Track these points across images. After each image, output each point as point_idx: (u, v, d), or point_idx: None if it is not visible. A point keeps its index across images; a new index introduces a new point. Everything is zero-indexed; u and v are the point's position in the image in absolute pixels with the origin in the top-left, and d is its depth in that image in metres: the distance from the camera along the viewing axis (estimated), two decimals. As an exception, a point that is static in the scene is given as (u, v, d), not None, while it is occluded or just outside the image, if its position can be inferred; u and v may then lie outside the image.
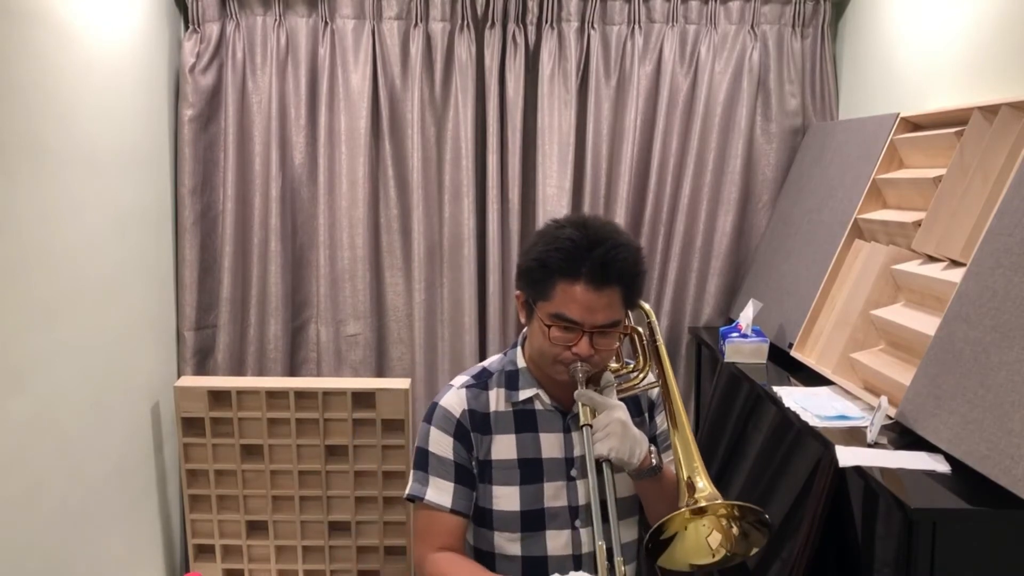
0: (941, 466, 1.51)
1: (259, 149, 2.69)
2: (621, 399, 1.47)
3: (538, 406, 1.50)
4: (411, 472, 1.50)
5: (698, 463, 1.35)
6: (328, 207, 2.72)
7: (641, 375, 1.54)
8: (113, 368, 2.23)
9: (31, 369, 1.81)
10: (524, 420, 1.49)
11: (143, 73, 2.41)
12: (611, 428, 1.37)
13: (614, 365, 1.54)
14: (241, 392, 2.50)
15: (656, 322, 1.52)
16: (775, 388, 2.01)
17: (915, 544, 1.38)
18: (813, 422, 1.76)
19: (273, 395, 2.50)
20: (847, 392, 1.94)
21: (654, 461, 1.42)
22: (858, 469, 1.53)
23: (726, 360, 2.30)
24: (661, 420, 1.58)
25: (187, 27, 2.62)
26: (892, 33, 2.39)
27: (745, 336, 2.29)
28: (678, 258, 2.79)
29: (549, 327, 1.38)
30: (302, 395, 2.50)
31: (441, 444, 1.46)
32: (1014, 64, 1.82)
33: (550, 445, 1.48)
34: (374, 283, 2.78)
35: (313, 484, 2.57)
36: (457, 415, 1.47)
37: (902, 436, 1.66)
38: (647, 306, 1.52)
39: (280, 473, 2.56)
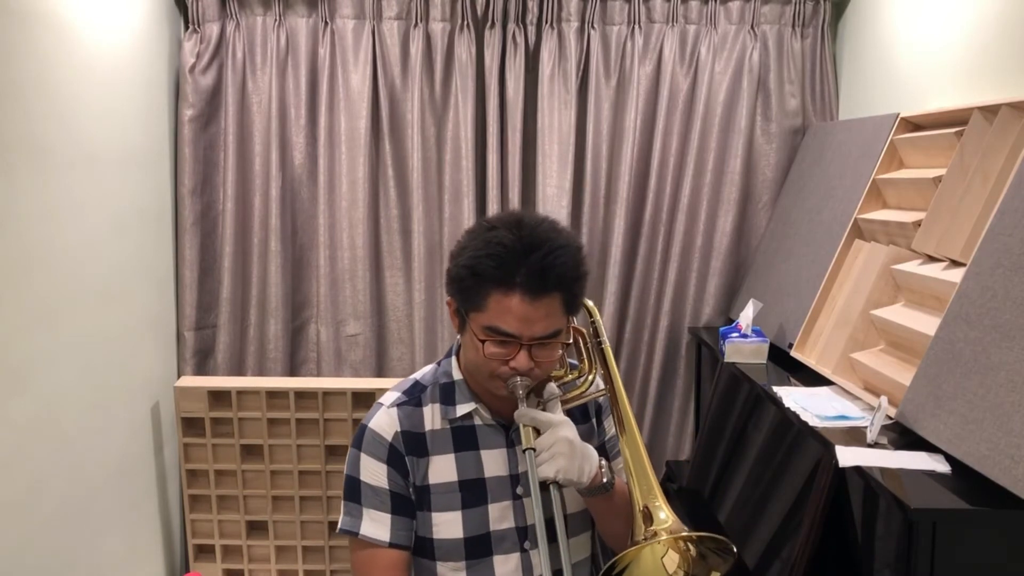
0: (941, 466, 1.51)
1: (259, 149, 2.69)
2: (567, 410, 1.35)
3: (477, 421, 1.37)
4: (342, 504, 1.36)
5: (654, 484, 1.24)
6: (328, 207, 2.72)
7: (588, 378, 1.41)
8: (113, 368, 2.23)
9: (31, 369, 1.81)
10: (463, 438, 1.35)
11: (143, 73, 2.41)
12: (557, 448, 1.24)
13: (557, 372, 1.41)
14: (241, 392, 2.49)
15: (600, 321, 1.41)
16: (775, 388, 2.01)
17: (915, 544, 1.38)
18: (813, 422, 1.76)
19: (273, 395, 2.50)
20: (847, 392, 1.94)
21: (604, 479, 1.30)
22: (858, 469, 1.53)
23: (726, 360, 2.30)
24: (609, 425, 1.47)
25: (187, 27, 2.62)
26: (892, 33, 2.39)
27: (745, 336, 2.29)
28: (678, 258, 2.79)
29: (483, 341, 1.25)
30: (302, 395, 2.50)
31: (373, 472, 1.33)
32: (1014, 64, 1.82)
33: (493, 463, 1.36)
34: (374, 283, 2.78)
35: (313, 484, 2.57)
36: (389, 438, 1.33)
37: (902, 436, 1.66)
38: (591, 304, 1.41)
39: (280, 473, 2.56)
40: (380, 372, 2.83)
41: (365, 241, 2.72)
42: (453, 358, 1.41)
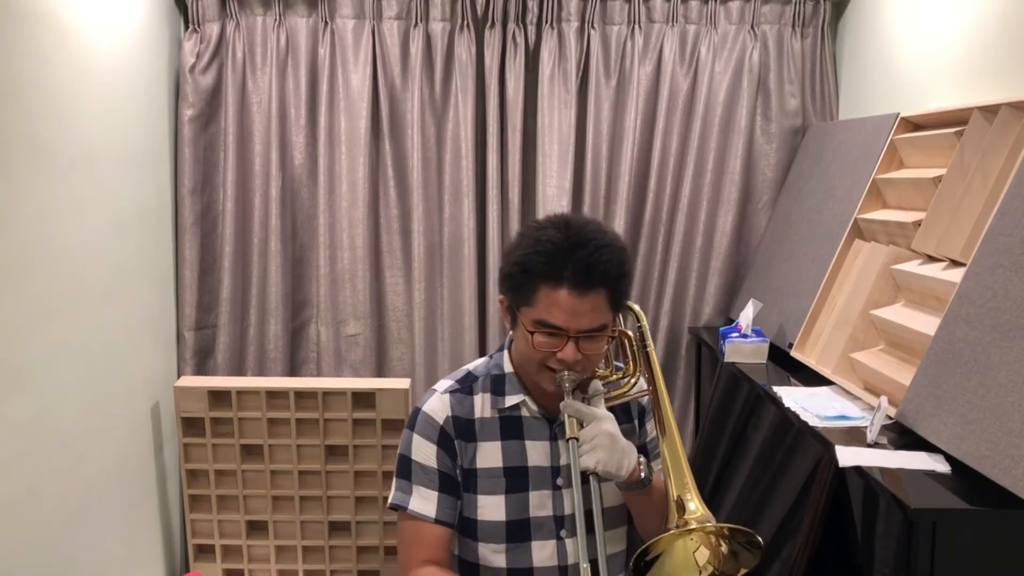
0: (941, 466, 1.51)
1: (259, 149, 2.69)
2: (610, 408, 1.41)
3: (524, 413, 1.45)
4: (393, 480, 1.45)
5: (689, 480, 1.31)
6: (328, 207, 2.72)
7: (632, 381, 1.48)
8: (113, 368, 2.23)
9: (31, 369, 1.81)
10: (510, 427, 1.44)
11: (143, 73, 2.41)
12: (598, 440, 1.32)
13: (603, 371, 1.49)
14: (241, 392, 2.49)
15: (647, 326, 1.47)
16: (775, 388, 2.01)
17: (915, 544, 1.38)
18: (813, 422, 1.76)
19: (273, 395, 2.50)
20: (847, 392, 1.94)
21: (643, 473, 1.37)
22: (858, 469, 1.53)
23: (726, 360, 2.30)
24: (651, 427, 1.53)
25: (187, 27, 2.62)
26: (892, 33, 2.39)
27: (745, 336, 2.29)
28: (678, 258, 2.79)
29: (533, 333, 1.33)
30: (302, 395, 2.50)
31: (424, 452, 1.42)
32: (1014, 64, 1.82)
33: (536, 453, 1.44)
34: (374, 283, 2.78)
35: (313, 484, 2.57)
36: (440, 422, 1.42)
37: (902, 436, 1.66)
38: (638, 309, 1.47)
39: (280, 473, 2.56)
40: (380, 372, 2.83)
41: (365, 241, 2.72)
42: (505, 352, 1.49)
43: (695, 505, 1.28)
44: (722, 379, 2.36)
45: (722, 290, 2.81)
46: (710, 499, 2.17)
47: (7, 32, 1.71)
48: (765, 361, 2.28)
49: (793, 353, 2.22)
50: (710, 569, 1.28)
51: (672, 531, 1.25)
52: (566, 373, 1.33)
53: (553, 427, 1.45)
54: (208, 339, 2.75)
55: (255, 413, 2.50)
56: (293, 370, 2.82)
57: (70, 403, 1.99)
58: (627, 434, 1.41)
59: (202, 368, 2.75)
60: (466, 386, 1.47)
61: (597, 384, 1.44)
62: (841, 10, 2.74)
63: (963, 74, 2.02)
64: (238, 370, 2.76)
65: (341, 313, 2.77)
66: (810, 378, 2.08)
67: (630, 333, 1.47)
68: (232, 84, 2.64)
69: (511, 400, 1.44)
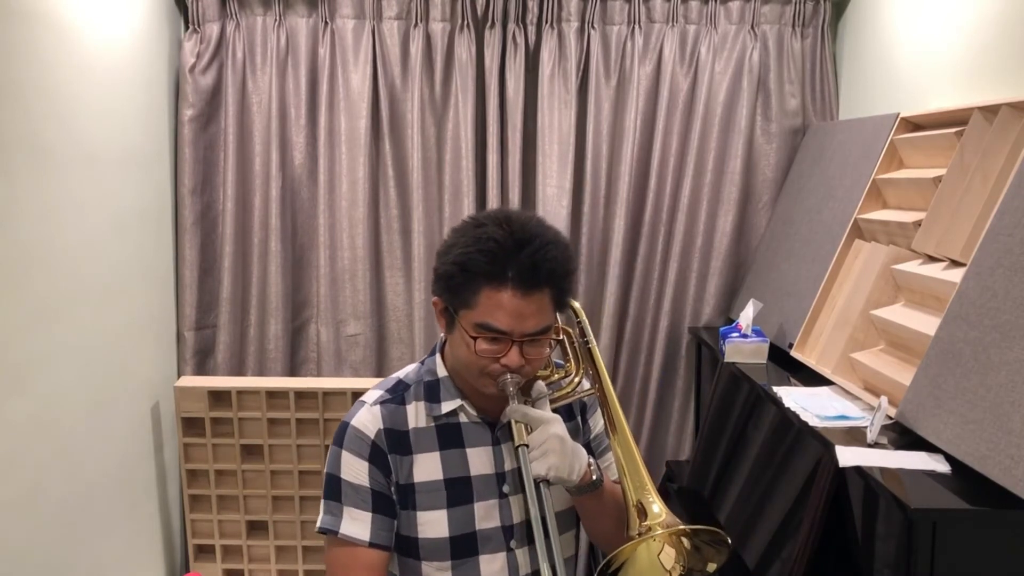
0: (941, 466, 1.51)
1: (259, 149, 2.69)
2: (554, 409, 1.35)
3: (463, 419, 1.35)
4: (321, 503, 1.34)
5: (646, 480, 1.25)
6: (328, 207, 2.72)
7: (575, 379, 1.41)
8: (113, 368, 2.23)
9: (31, 369, 1.81)
10: (448, 435, 1.34)
11: (143, 73, 2.41)
12: (548, 445, 1.24)
13: (544, 372, 1.41)
14: (241, 392, 2.50)
15: (586, 321, 1.41)
16: (775, 388, 2.01)
17: (915, 544, 1.38)
18: (813, 422, 1.76)
19: (273, 395, 2.50)
20: (847, 392, 1.94)
21: (594, 476, 1.31)
22: (858, 469, 1.53)
23: (726, 360, 2.30)
24: (595, 422, 1.46)
25: (187, 27, 2.62)
26: (892, 33, 2.39)
27: (745, 336, 2.29)
28: (678, 258, 2.79)
29: (475, 339, 1.24)
30: (302, 395, 2.50)
31: (355, 470, 1.31)
32: (1014, 64, 1.82)
33: (479, 461, 1.34)
34: (374, 283, 2.78)
35: (313, 484, 2.56)
36: (371, 436, 1.31)
37: (902, 436, 1.66)
38: (577, 305, 1.40)
39: (280, 473, 2.56)
40: (380, 372, 2.83)
41: (365, 241, 2.72)
42: (437, 356, 1.39)
43: (658, 508, 1.22)
44: (722, 379, 2.36)
45: (722, 290, 2.81)
46: (710, 499, 2.17)
47: (7, 32, 1.71)
48: (765, 361, 2.28)
49: (793, 353, 2.22)
50: (679, 570, 1.22)
51: (636, 539, 1.19)
52: (509, 376, 1.25)
53: (495, 431, 1.36)
54: (208, 339, 2.75)
55: (255, 413, 2.50)
56: (293, 370, 2.82)
57: (70, 403, 1.99)
58: (573, 434, 1.34)
59: (202, 368, 2.75)
60: (397, 395, 1.36)
61: (541, 385, 1.36)
62: (841, 10, 2.74)
63: (963, 74, 2.02)
64: (238, 370, 2.76)
65: (341, 313, 2.77)
66: (810, 378, 2.08)
67: (571, 331, 1.42)
68: (232, 84, 2.64)
69: (447, 407, 1.34)
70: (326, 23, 2.66)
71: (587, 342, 1.40)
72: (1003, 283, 1.52)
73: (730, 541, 1.20)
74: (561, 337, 1.39)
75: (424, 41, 2.68)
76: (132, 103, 2.34)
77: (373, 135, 2.71)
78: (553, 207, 2.72)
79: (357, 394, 2.47)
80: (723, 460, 2.20)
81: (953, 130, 1.89)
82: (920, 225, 1.90)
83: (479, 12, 2.69)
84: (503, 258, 1.21)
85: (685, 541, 1.22)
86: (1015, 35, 1.81)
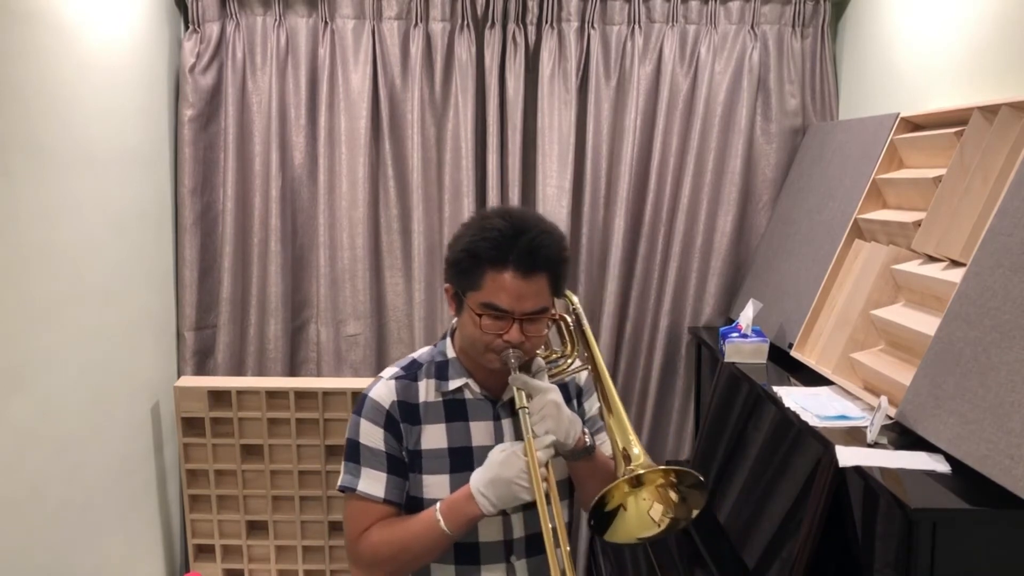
0: (941, 466, 1.51)
1: (259, 149, 2.69)
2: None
3: (467, 395, 1.51)
4: (342, 464, 1.51)
5: (632, 435, 1.39)
6: (328, 207, 2.72)
7: (570, 360, 1.57)
8: (113, 368, 2.23)
9: (31, 369, 1.81)
10: (454, 409, 1.50)
11: (143, 73, 2.41)
12: (547, 410, 1.40)
13: (543, 352, 1.57)
14: (241, 392, 2.50)
15: (581, 309, 1.59)
16: (775, 388, 2.01)
17: (915, 544, 1.38)
18: (813, 422, 1.76)
19: (273, 395, 2.50)
20: (847, 392, 1.94)
21: (587, 441, 1.45)
22: (858, 469, 1.53)
23: (726, 360, 2.30)
24: (589, 406, 1.61)
25: (187, 27, 2.62)
26: (892, 33, 2.39)
27: (745, 336, 2.29)
28: (678, 258, 2.79)
29: (480, 316, 1.39)
30: (302, 395, 2.50)
31: (372, 435, 1.47)
32: (1014, 64, 1.82)
33: (480, 433, 1.49)
34: (374, 283, 2.78)
35: (313, 484, 2.57)
36: (387, 406, 1.48)
37: (902, 436, 1.66)
38: (572, 295, 1.59)
39: (280, 473, 2.57)
40: (380, 372, 2.82)
41: (365, 241, 2.72)
42: (448, 339, 1.55)
43: (638, 451, 1.36)
44: (722, 379, 2.36)
45: (722, 290, 2.81)
46: (711, 499, 2.17)
47: (7, 32, 1.71)
48: (765, 361, 2.28)
49: (793, 353, 2.22)
50: (667, 520, 1.36)
51: (620, 479, 1.32)
52: (511, 350, 1.40)
53: (496, 407, 1.51)
54: (208, 339, 2.75)
55: (255, 413, 2.50)
56: (293, 370, 2.82)
57: (70, 403, 1.99)
58: None
59: (202, 368, 2.75)
60: (411, 373, 1.52)
61: (540, 361, 1.52)
62: (841, 10, 2.74)
63: (963, 74, 2.02)
64: (238, 370, 2.76)
65: (341, 313, 2.77)
66: (810, 378, 2.08)
67: (567, 317, 1.59)
68: (232, 84, 2.64)
69: (454, 383, 1.50)
70: (326, 23, 2.66)
71: (581, 325, 1.56)
72: (1003, 283, 1.52)
73: (703, 479, 1.33)
74: (557, 318, 1.53)
75: (424, 41, 2.68)
76: (132, 103, 2.34)
77: (373, 135, 2.71)
78: (553, 207, 2.72)
79: (357, 394, 2.47)
80: (723, 460, 2.20)
81: (953, 130, 1.89)
82: (920, 225, 1.90)
83: (479, 12, 2.69)
84: (505, 244, 1.37)
85: (671, 493, 1.36)
86: (1015, 35, 1.81)
